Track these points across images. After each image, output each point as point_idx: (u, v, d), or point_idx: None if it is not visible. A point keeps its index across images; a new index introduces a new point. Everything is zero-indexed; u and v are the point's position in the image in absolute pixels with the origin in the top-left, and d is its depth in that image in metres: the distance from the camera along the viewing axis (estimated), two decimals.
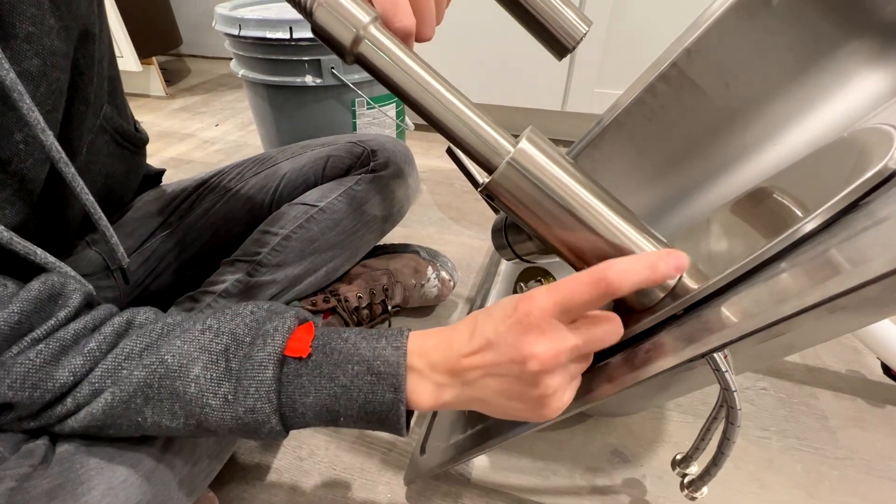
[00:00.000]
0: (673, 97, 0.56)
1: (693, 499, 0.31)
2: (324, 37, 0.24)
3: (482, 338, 0.25)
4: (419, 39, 0.26)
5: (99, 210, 0.34)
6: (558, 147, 0.26)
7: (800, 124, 0.54)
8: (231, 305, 0.30)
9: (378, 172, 0.58)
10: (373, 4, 0.24)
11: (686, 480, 0.31)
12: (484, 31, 1.05)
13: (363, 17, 0.23)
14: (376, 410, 0.27)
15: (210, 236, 0.56)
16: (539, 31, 0.36)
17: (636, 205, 0.63)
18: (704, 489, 0.31)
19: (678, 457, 0.33)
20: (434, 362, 0.27)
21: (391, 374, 0.26)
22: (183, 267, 0.55)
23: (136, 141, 0.46)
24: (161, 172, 0.57)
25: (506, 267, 0.65)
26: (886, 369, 0.56)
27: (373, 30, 0.23)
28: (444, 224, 0.91)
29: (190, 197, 0.55)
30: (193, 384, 0.27)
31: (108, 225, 0.36)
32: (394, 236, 0.80)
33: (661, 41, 0.54)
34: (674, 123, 0.58)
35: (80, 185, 0.32)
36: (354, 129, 0.79)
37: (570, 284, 0.23)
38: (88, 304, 0.30)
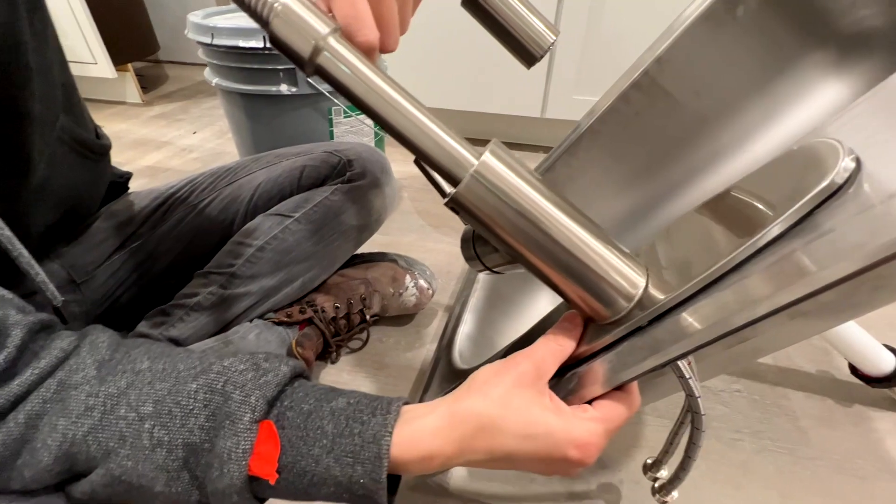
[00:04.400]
0: (646, 105, 0.57)
1: (664, 503, 0.32)
2: (282, 47, 0.23)
3: (511, 465, 0.27)
4: (383, 51, 0.25)
5: (18, 246, 0.30)
6: (523, 161, 0.26)
7: (768, 131, 0.56)
8: (178, 373, 0.27)
9: (354, 182, 0.58)
10: (334, 17, 0.24)
11: (657, 485, 0.32)
12: (463, 38, 1.05)
13: (322, 28, 0.23)
14: None
15: (182, 248, 0.55)
16: (507, 40, 0.37)
17: (614, 211, 0.64)
18: (675, 493, 0.31)
19: (648, 461, 0.34)
20: (430, 466, 0.26)
21: (370, 498, 0.25)
22: (154, 279, 0.54)
23: (97, 149, 0.44)
24: (128, 177, 0.56)
25: (484, 275, 0.65)
26: (854, 369, 0.57)
27: (332, 41, 0.23)
28: (425, 231, 0.91)
29: (161, 207, 0.54)
30: (160, 499, 0.26)
31: (33, 262, 0.31)
32: (374, 244, 0.80)
33: (637, 48, 0.55)
34: (648, 130, 0.59)
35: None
36: (331, 137, 0.79)
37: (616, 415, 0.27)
38: (39, 331, 0.27)
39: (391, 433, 0.25)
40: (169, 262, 0.54)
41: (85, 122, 0.44)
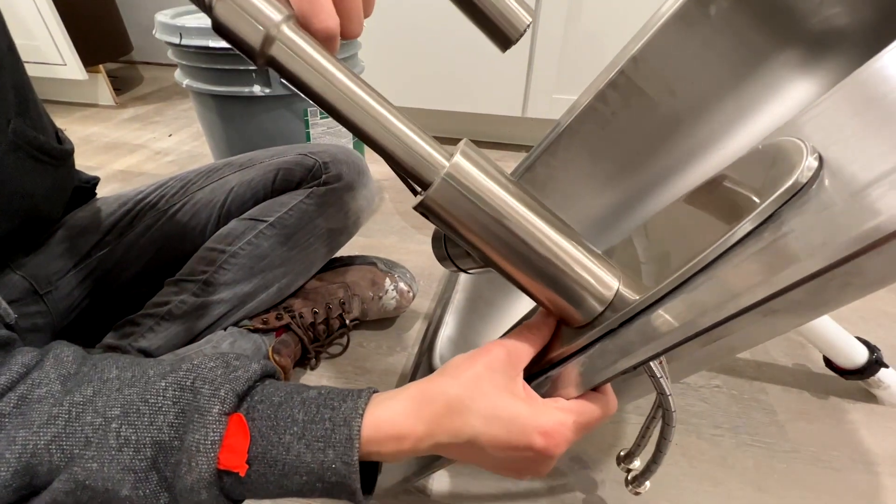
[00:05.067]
0: (623, 104, 0.57)
1: (637, 493, 0.32)
2: (228, 36, 0.21)
3: (479, 453, 0.26)
4: (346, 37, 0.24)
5: None
6: (494, 161, 0.26)
7: (741, 129, 0.57)
8: (148, 378, 0.26)
9: (330, 185, 0.57)
10: (288, 2, 0.22)
11: (630, 476, 0.33)
12: (443, 35, 1.05)
13: (274, 14, 0.21)
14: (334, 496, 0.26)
15: (152, 255, 0.53)
16: (483, 22, 0.36)
17: (594, 209, 0.64)
18: (647, 483, 0.32)
19: (622, 453, 0.34)
20: (402, 448, 0.26)
21: (343, 483, 0.25)
22: (123, 288, 0.52)
23: (58, 154, 0.42)
24: (95, 182, 0.54)
25: (465, 277, 0.65)
26: (828, 362, 0.58)
27: (286, 30, 0.21)
28: (407, 233, 0.90)
29: (129, 213, 0.52)
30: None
31: None
32: (355, 247, 0.79)
33: (617, 46, 0.55)
34: (625, 129, 0.59)
35: None
36: (308, 139, 0.77)
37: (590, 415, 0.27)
38: None
39: (362, 415, 0.25)
40: (138, 270, 0.52)
41: (43, 125, 0.42)
